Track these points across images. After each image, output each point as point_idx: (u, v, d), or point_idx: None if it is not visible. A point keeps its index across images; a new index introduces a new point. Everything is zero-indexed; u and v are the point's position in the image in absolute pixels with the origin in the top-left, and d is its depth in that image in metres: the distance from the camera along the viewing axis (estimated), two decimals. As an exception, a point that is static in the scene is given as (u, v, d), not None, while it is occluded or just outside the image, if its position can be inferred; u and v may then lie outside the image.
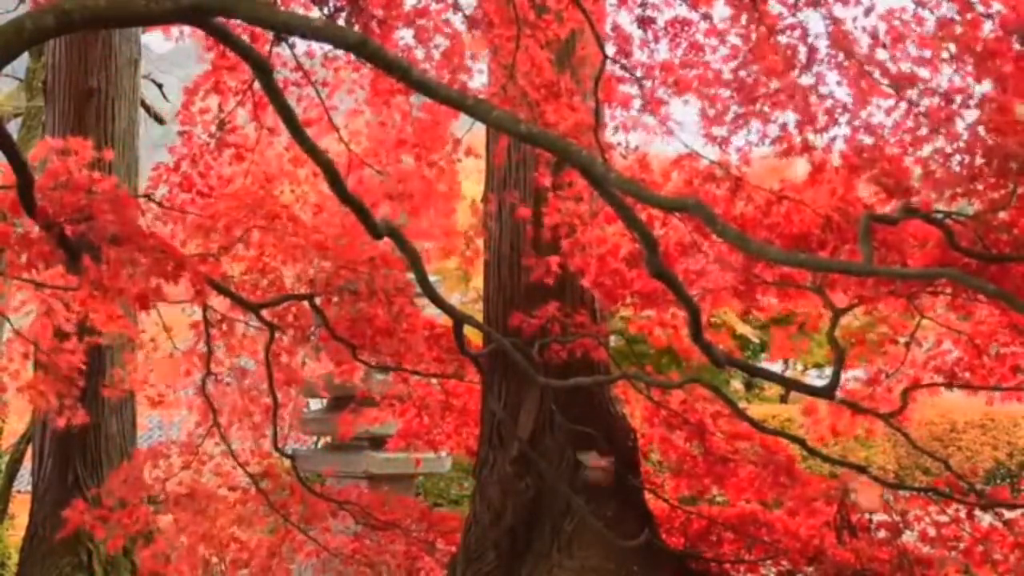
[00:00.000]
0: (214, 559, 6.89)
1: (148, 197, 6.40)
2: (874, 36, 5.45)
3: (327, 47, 6.68)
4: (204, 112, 7.16)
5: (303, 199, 7.50)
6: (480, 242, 7.39)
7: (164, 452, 6.63)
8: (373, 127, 7.10)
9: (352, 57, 6.66)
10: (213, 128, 7.17)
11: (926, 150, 5.16)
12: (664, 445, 7.28)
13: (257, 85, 7.00)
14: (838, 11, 5.65)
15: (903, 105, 5.42)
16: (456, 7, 6.09)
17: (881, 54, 5.43)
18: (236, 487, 6.71)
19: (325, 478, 9.58)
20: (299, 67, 6.77)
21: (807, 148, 5.75)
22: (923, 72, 5.24)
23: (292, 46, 6.52)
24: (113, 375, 7.95)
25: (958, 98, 4.95)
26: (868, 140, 5.51)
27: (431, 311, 6.33)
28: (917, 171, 5.16)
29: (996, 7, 4.94)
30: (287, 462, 7.10)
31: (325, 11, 5.87)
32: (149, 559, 6.39)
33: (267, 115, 7.16)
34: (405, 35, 6.11)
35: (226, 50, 6.83)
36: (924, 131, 4.87)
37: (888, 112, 5.48)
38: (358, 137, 7.13)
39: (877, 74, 5.40)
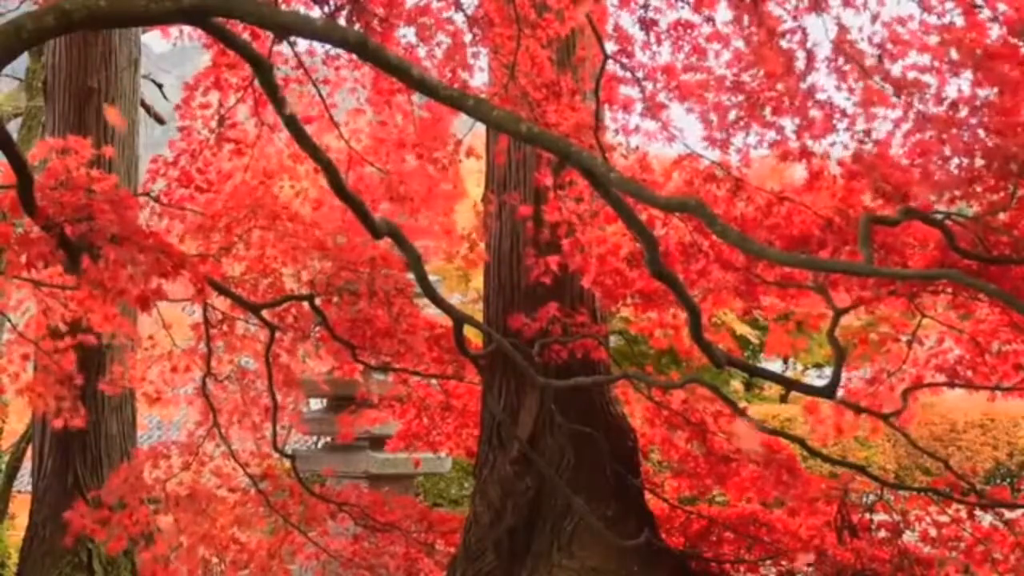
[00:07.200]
0: (214, 560, 6.88)
1: (148, 195, 6.40)
2: (880, 45, 5.42)
3: (328, 46, 6.67)
4: (204, 108, 7.14)
5: (303, 195, 7.47)
6: (482, 244, 7.38)
7: (164, 452, 6.62)
8: (374, 125, 7.08)
9: (353, 56, 6.63)
10: (213, 124, 7.15)
11: (928, 156, 5.13)
12: (666, 445, 7.28)
13: (258, 82, 7.00)
14: (842, 17, 5.64)
15: (904, 110, 5.39)
16: (458, 6, 6.07)
17: (884, 61, 5.40)
18: (236, 488, 6.69)
19: (325, 478, 9.57)
20: (300, 65, 6.77)
21: (806, 154, 5.73)
22: (927, 78, 5.22)
23: (293, 44, 6.52)
24: (113, 372, 7.93)
25: (965, 108, 4.92)
26: (869, 146, 5.48)
27: (431, 311, 6.32)
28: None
29: (1002, 8, 4.92)
30: (287, 462, 7.08)
31: (325, 10, 5.86)
32: (149, 560, 6.37)
33: (267, 112, 7.14)
34: (407, 33, 6.11)
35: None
36: (929, 135, 4.86)
37: (895, 124, 5.44)
38: (358, 135, 7.11)
39: (879, 79, 5.38)
